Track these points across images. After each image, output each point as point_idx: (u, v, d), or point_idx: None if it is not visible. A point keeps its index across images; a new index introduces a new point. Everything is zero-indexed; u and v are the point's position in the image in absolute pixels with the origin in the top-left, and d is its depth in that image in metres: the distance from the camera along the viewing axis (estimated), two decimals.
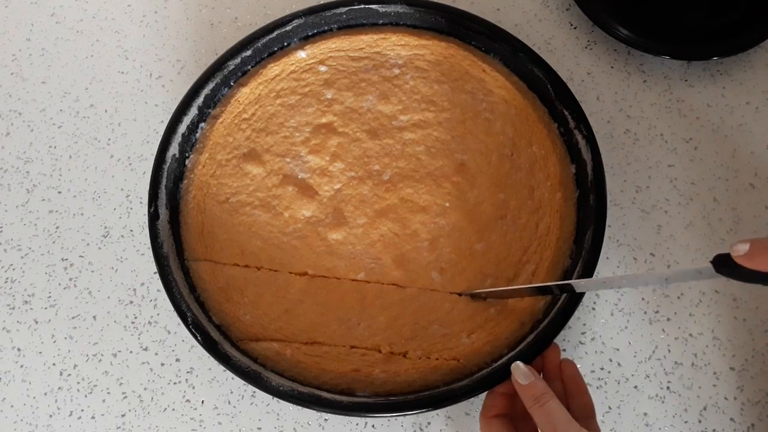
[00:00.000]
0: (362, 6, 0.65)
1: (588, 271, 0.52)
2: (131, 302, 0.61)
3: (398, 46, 0.65)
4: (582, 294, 0.51)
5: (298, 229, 0.58)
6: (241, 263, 0.57)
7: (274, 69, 0.64)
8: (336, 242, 0.57)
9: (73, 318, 0.61)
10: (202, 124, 0.62)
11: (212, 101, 0.63)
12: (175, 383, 0.58)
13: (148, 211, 0.57)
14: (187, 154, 0.61)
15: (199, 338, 0.52)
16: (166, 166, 0.59)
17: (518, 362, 0.48)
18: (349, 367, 0.53)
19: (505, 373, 0.49)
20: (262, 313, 0.55)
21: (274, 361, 0.54)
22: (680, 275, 0.41)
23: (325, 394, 0.51)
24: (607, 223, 0.55)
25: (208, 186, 0.60)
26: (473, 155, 0.60)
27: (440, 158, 0.60)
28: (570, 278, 0.53)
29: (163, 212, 0.58)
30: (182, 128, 0.61)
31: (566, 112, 0.59)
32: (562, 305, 0.52)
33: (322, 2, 0.66)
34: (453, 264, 0.56)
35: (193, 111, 0.61)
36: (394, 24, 0.66)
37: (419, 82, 0.63)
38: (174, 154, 0.60)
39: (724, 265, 0.38)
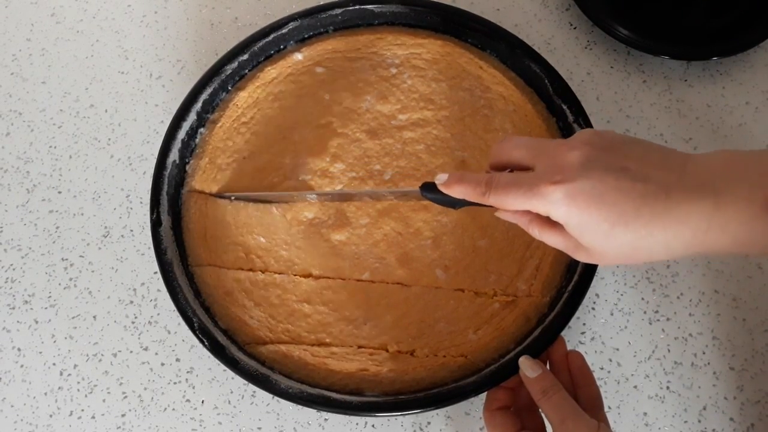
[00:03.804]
0: (357, 7, 0.65)
1: (591, 266, 0.53)
2: (131, 302, 0.61)
3: (395, 46, 0.65)
4: (590, 281, 0.52)
5: (302, 230, 0.58)
6: (245, 267, 0.57)
7: (271, 72, 0.64)
8: (339, 243, 0.57)
9: (73, 318, 0.61)
10: (201, 129, 0.62)
11: (211, 106, 0.63)
12: (175, 383, 0.58)
13: (151, 218, 0.57)
14: (187, 160, 0.61)
15: (206, 343, 0.52)
16: (166, 173, 0.59)
17: (526, 356, 0.49)
18: (357, 367, 0.53)
19: (512, 368, 0.49)
20: (268, 316, 0.55)
21: (282, 364, 0.54)
22: (396, 194, 0.54)
23: (334, 395, 0.51)
24: None
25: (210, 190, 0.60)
26: (473, 152, 0.60)
27: (440, 156, 0.60)
28: (574, 273, 0.54)
29: (166, 219, 0.58)
30: (181, 134, 0.61)
31: (564, 107, 0.59)
32: (567, 298, 0.52)
33: (321, 3, 0.66)
34: (456, 261, 0.56)
35: (192, 117, 0.61)
36: (389, 24, 0.66)
37: (417, 81, 0.63)
38: (174, 161, 0.60)
39: (428, 190, 0.46)
